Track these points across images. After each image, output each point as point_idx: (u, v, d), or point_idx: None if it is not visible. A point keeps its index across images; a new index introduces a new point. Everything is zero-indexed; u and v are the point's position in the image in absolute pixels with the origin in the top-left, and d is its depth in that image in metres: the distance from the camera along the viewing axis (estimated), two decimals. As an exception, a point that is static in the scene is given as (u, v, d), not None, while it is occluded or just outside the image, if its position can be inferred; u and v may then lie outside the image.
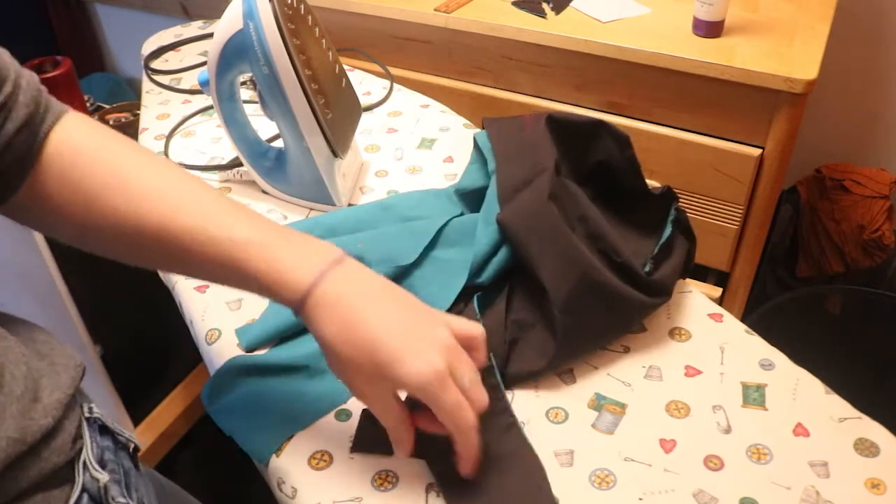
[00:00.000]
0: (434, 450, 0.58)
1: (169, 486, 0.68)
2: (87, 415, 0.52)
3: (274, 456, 0.61)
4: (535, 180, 0.72)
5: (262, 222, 0.54)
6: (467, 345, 0.54)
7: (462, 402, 0.51)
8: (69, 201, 0.52)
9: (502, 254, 0.72)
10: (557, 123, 0.77)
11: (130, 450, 0.57)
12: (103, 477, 0.50)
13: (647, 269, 0.70)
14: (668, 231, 0.73)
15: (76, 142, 0.53)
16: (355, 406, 0.65)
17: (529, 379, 0.66)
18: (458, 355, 0.52)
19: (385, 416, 0.54)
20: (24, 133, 0.50)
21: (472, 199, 0.83)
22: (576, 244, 0.67)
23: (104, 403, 1.34)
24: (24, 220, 0.55)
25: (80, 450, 0.49)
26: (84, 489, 0.48)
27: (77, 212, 0.52)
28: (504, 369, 0.66)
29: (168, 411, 1.44)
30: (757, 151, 1.12)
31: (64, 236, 0.55)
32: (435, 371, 0.49)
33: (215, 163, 0.98)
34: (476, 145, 0.84)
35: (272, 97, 0.81)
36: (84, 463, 0.49)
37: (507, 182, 0.75)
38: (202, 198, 0.53)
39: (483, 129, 0.84)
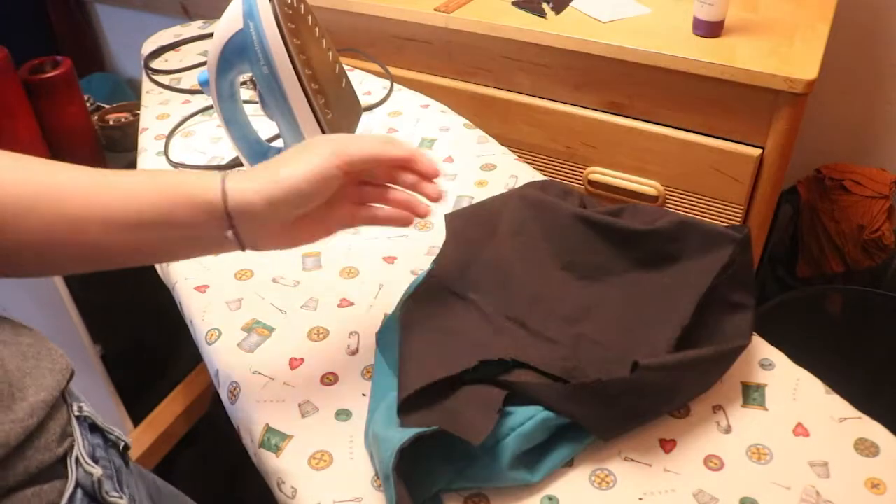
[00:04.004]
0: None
1: (162, 485, 0.68)
2: (76, 413, 0.52)
3: (274, 456, 0.61)
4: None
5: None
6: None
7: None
8: None
9: None
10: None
11: (121, 448, 0.57)
12: (97, 471, 0.50)
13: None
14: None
15: None
16: (356, 405, 0.65)
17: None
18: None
19: (371, 144, 0.57)
20: None
21: None
22: None
23: (104, 403, 1.34)
24: None
25: (71, 447, 0.49)
26: (78, 484, 0.48)
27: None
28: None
29: (168, 411, 1.43)
30: (757, 151, 1.12)
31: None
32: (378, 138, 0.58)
33: (215, 163, 0.98)
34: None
35: (272, 97, 0.81)
36: (77, 459, 0.49)
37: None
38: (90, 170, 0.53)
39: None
